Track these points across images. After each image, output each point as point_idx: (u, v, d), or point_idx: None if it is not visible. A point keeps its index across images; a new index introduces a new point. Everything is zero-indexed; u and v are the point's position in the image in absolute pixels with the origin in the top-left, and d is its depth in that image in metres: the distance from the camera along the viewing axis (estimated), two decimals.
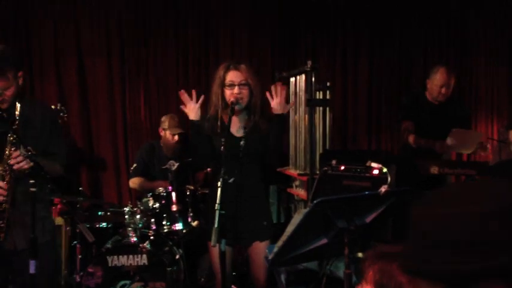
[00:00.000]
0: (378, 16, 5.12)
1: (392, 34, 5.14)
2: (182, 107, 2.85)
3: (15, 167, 2.31)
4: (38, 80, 4.87)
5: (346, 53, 5.15)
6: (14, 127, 2.27)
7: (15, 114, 2.30)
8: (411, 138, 3.97)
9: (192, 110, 2.80)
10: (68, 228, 4.03)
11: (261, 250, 2.81)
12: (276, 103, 2.79)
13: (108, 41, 4.92)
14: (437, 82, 3.98)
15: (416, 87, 5.05)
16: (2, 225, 2.35)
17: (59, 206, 4.04)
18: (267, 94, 2.81)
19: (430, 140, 3.89)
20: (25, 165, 2.31)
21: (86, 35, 4.89)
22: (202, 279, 3.85)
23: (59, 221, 4.06)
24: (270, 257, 2.14)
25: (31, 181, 2.20)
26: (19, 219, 2.44)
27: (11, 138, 2.31)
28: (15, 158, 2.30)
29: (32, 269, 2.19)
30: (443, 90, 3.98)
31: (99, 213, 4.06)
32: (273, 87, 2.79)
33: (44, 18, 4.83)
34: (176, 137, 4.17)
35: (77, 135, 4.92)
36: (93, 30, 4.89)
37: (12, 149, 2.31)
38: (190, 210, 3.61)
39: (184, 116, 4.83)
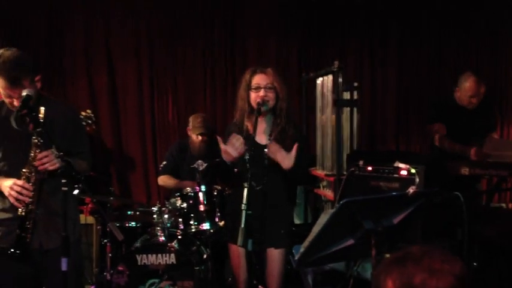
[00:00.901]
0: (407, 15, 5.05)
1: (421, 34, 5.06)
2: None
3: (40, 168, 2.36)
4: (69, 82, 4.99)
5: (374, 53, 5.10)
6: (38, 129, 2.31)
7: (38, 117, 2.33)
8: (445, 143, 3.92)
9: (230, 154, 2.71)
10: (98, 227, 4.12)
11: (275, 257, 2.80)
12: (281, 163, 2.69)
13: (137, 43, 5.00)
14: (466, 92, 3.94)
15: (446, 88, 4.96)
16: (28, 225, 2.39)
17: (89, 206, 4.13)
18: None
19: (464, 146, 3.83)
20: (50, 166, 2.35)
21: (115, 37, 4.99)
22: (230, 279, 3.87)
23: (89, 220, 4.16)
24: (297, 257, 2.14)
25: (63, 181, 2.25)
26: (45, 219, 2.49)
27: (35, 140, 2.36)
28: (40, 159, 2.35)
29: (64, 267, 2.24)
30: (473, 100, 3.94)
31: (129, 212, 4.13)
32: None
33: (75, 21, 4.95)
34: (200, 137, 4.22)
35: (107, 136, 5.02)
36: (122, 32, 4.99)
37: (37, 151, 2.36)
38: (217, 210, 3.64)
39: (211, 115, 4.94)
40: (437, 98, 4.74)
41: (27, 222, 2.39)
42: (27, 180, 2.40)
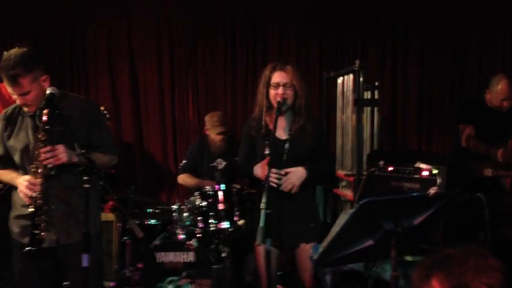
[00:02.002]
0: (431, 14, 4.98)
1: (445, 32, 4.98)
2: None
3: (45, 162, 2.40)
4: (92, 82, 5.06)
5: (396, 52, 5.04)
6: (46, 127, 2.37)
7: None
8: (471, 143, 3.86)
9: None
10: (118, 224, 4.16)
11: (307, 252, 2.82)
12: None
13: (158, 42, 5.04)
14: (498, 95, 3.87)
15: (469, 88, 4.89)
16: (37, 222, 2.42)
17: (110, 203, 4.18)
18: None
19: (491, 147, 3.77)
20: (55, 161, 2.39)
21: (137, 36, 5.04)
22: (248, 278, 3.87)
23: (110, 217, 4.20)
24: (315, 257, 2.13)
25: (84, 178, 2.27)
26: (65, 215, 2.53)
27: (40, 136, 2.40)
28: (44, 153, 2.39)
29: (85, 263, 2.26)
30: (505, 103, 3.87)
31: (148, 210, 4.17)
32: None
33: (98, 22, 5.03)
34: (218, 136, 4.23)
35: (128, 135, 5.07)
36: (143, 31, 5.03)
37: (41, 145, 2.40)
38: (236, 209, 3.64)
39: (231, 114, 4.95)
40: (467, 98, 4.66)
41: (37, 218, 2.42)
42: (35, 175, 2.43)
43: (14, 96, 3.29)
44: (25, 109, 2.54)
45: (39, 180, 2.42)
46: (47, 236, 2.48)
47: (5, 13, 4.98)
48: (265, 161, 2.65)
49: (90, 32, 5.03)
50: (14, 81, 2.39)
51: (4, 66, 2.39)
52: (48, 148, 2.39)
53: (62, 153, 2.40)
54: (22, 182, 2.45)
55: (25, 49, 2.47)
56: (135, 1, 5.04)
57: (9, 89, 2.45)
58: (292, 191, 2.76)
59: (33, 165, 2.45)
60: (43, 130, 2.39)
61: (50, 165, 2.41)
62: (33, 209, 2.41)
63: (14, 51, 2.44)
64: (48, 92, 2.44)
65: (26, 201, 2.45)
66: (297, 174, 2.76)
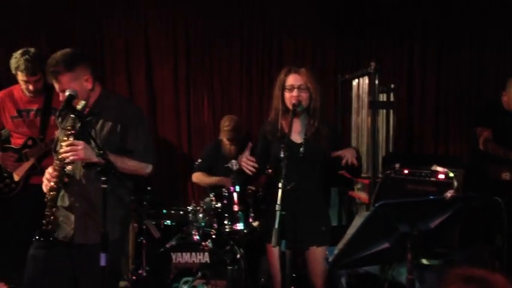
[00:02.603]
0: (448, 16, 4.94)
1: (462, 33, 4.93)
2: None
3: (63, 156, 2.44)
4: (109, 82, 5.12)
5: (412, 53, 5.01)
6: (67, 125, 2.47)
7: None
8: (489, 146, 3.82)
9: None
10: (135, 224, 4.19)
11: (318, 255, 2.82)
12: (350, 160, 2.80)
13: (174, 43, 5.08)
14: None
15: (487, 91, 4.84)
16: (47, 213, 2.46)
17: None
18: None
19: (509, 150, 3.73)
20: (71, 156, 2.41)
21: (153, 37, 5.09)
22: (263, 280, 3.88)
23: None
24: (330, 259, 2.13)
25: (102, 178, 2.31)
26: (82, 214, 2.55)
27: (68, 128, 2.47)
28: (65, 147, 2.43)
29: (102, 262, 2.29)
30: None
31: (164, 211, 4.19)
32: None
33: (115, 22, 5.09)
34: (227, 141, 4.26)
35: None
36: (160, 31, 5.08)
37: (64, 138, 2.46)
38: (251, 210, 3.65)
39: (247, 115, 4.97)
40: (484, 101, 4.62)
41: (47, 209, 2.47)
42: (54, 167, 2.49)
43: (28, 95, 3.34)
44: None
45: (56, 173, 2.46)
46: (64, 231, 2.52)
47: (22, 14, 5.08)
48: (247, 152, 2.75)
49: (107, 32, 5.10)
50: (55, 78, 2.47)
51: (48, 63, 2.49)
52: (69, 142, 2.43)
53: (80, 150, 2.41)
54: (45, 173, 2.52)
55: (71, 49, 2.55)
56: (152, 1, 5.09)
57: (55, 86, 2.53)
58: (352, 162, 2.77)
59: (55, 158, 2.50)
60: (60, 121, 2.49)
61: (67, 160, 2.45)
62: (46, 200, 2.47)
63: (62, 50, 2.52)
64: (67, 93, 2.48)
65: (45, 191, 2.51)
66: (351, 150, 2.81)
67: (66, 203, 2.58)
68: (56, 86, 2.51)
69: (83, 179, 2.56)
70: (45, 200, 2.48)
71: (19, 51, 3.42)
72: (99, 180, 2.36)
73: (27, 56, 3.36)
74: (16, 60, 3.38)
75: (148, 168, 2.66)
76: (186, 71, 5.10)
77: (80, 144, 2.42)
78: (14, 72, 3.44)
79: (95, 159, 2.44)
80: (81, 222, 2.56)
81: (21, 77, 3.42)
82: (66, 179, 2.51)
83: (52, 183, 2.46)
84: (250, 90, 5.09)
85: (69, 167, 2.50)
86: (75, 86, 2.49)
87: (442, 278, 1.30)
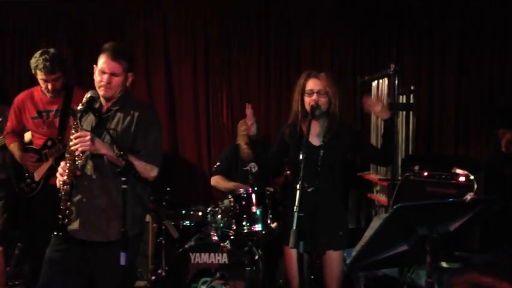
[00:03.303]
0: (469, 16, 4.88)
1: (483, 34, 4.86)
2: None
3: (73, 148, 2.48)
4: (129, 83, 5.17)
5: (432, 54, 4.95)
6: (79, 116, 2.56)
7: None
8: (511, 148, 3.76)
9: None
10: (154, 225, 4.24)
11: (334, 260, 2.82)
12: (377, 112, 2.87)
13: (193, 44, 5.12)
14: None
15: (510, 91, 4.76)
16: (62, 207, 2.50)
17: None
18: (366, 105, 2.88)
19: None
20: (80, 147, 2.44)
21: (172, 37, 5.14)
22: (281, 281, 3.89)
23: (146, 218, 4.29)
24: (348, 261, 2.13)
25: (122, 179, 2.34)
26: (99, 213, 2.58)
27: (74, 124, 2.54)
28: (74, 138, 2.48)
29: (122, 261, 2.32)
30: None
31: (183, 211, 4.23)
32: (365, 100, 2.87)
33: (134, 23, 5.16)
34: (244, 145, 4.27)
35: (163, 136, 5.14)
36: (179, 33, 5.12)
37: (72, 132, 2.52)
38: (269, 212, 3.66)
39: (265, 116, 4.97)
40: (506, 102, 4.55)
41: (62, 204, 2.51)
42: (65, 161, 2.54)
43: (48, 96, 3.40)
44: (101, 91, 2.63)
45: (68, 166, 2.51)
46: (80, 228, 2.56)
47: (46, 16, 5.18)
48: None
49: (127, 33, 5.17)
50: (116, 58, 2.59)
51: (112, 44, 2.66)
52: (77, 134, 2.48)
53: (87, 141, 2.44)
54: (59, 168, 2.57)
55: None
56: (171, 3, 5.15)
57: (104, 66, 2.61)
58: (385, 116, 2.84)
59: (67, 152, 2.55)
60: (79, 121, 2.54)
61: (76, 152, 2.49)
62: (61, 194, 2.52)
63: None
64: (88, 95, 2.54)
65: (58, 185, 2.56)
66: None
67: (74, 198, 2.60)
68: (110, 65, 2.59)
69: (93, 175, 2.59)
70: (60, 194, 2.53)
71: (39, 52, 3.51)
72: (113, 178, 2.43)
73: (46, 56, 3.45)
74: (36, 59, 3.47)
75: (153, 171, 2.64)
76: (204, 72, 5.13)
77: (88, 135, 2.45)
78: (33, 72, 3.52)
79: (103, 150, 2.48)
80: (88, 219, 2.58)
81: (40, 75, 3.49)
82: (78, 172, 2.55)
83: (65, 177, 2.51)
84: (268, 92, 5.10)
85: (79, 160, 2.53)
86: (122, 76, 2.62)
87: (450, 282, 1.29)
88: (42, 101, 3.63)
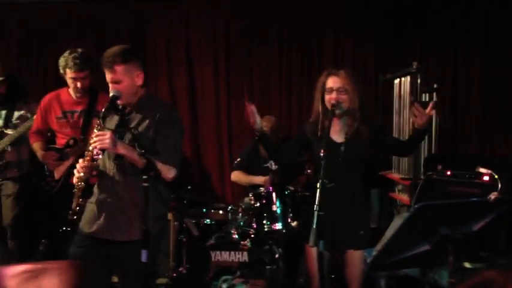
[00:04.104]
0: (494, 11, 4.78)
1: (509, 28, 4.75)
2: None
3: (93, 146, 2.50)
4: (152, 84, 5.22)
5: (457, 52, 4.87)
6: (102, 116, 2.57)
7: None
8: None
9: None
10: (175, 223, 4.27)
11: (355, 259, 2.81)
12: (420, 124, 2.74)
13: (214, 46, 5.14)
14: None
15: None
16: (74, 203, 2.54)
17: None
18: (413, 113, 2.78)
19: None
20: (98, 145, 2.46)
21: (194, 38, 5.16)
22: (302, 280, 3.87)
23: (167, 216, 4.33)
24: (369, 260, 2.11)
25: (144, 177, 2.36)
26: (117, 211, 2.61)
27: (98, 123, 2.56)
28: (94, 136, 2.50)
29: (144, 258, 2.34)
30: None
31: (204, 210, 4.26)
32: (414, 111, 2.75)
33: (157, 24, 5.20)
34: None
35: (185, 136, 5.16)
36: (200, 34, 5.15)
37: (95, 130, 2.54)
38: (290, 210, 3.66)
39: (286, 115, 4.96)
40: None
41: (74, 200, 2.55)
42: (84, 159, 2.58)
43: (74, 97, 3.47)
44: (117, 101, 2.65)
45: (86, 163, 2.55)
46: (92, 225, 2.60)
47: (70, 17, 5.27)
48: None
49: (149, 35, 5.22)
50: (110, 67, 2.57)
51: (106, 54, 2.61)
52: (97, 133, 2.51)
53: (106, 140, 2.45)
54: (76, 165, 2.61)
55: (127, 45, 2.69)
56: (192, 5, 5.18)
57: (107, 77, 2.63)
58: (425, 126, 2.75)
59: (86, 150, 2.59)
60: (102, 121, 2.57)
61: (95, 151, 2.51)
62: (74, 190, 2.56)
63: (119, 45, 2.67)
64: (111, 94, 2.57)
65: (74, 182, 2.60)
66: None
67: (97, 198, 2.64)
68: (109, 76, 2.60)
69: (116, 175, 2.62)
70: (74, 190, 2.56)
71: (67, 51, 3.58)
72: (134, 177, 2.45)
73: (75, 54, 3.52)
74: (65, 58, 3.54)
75: (171, 172, 2.61)
76: (226, 72, 5.15)
77: (107, 134, 2.47)
78: (62, 71, 3.59)
79: (121, 150, 2.49)
80: (111, 218, 2.61)
81: (69, 74, 3.56)
82: (94, 172, 2.58)
83: (81, 174, 2.54)
84: (290, 91, 5.08)
85: (99, 157, 2.55)
86: (126, 79, 2.59)
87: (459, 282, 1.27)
88: (68, 102, 3.69)
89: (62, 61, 3.55)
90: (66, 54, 3.55)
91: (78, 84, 3.57)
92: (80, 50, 3.57)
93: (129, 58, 2.60)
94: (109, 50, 2.62)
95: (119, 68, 2.57)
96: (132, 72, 2.62)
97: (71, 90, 3.69)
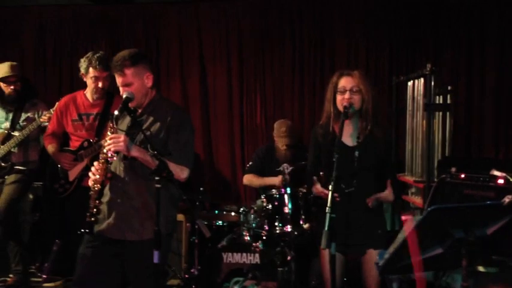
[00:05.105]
0: (507, 11, 4.72)
1: None
2: None
3: (107, 148, 2.52)
4: (165, 86, 5.26)
5: (471, 53, 4.82)
6: (115, 117, 2.59)
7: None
8: None
9: None
10: (187, 224, 4.29)
11: (373, 259, 2.78)
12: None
13: (227, 47, 5.16)
14: None
15: None
16: (90, 205, 2.54)
17: (180, 204, 4.32)
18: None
19: None
20: (112, 147, 2.48)
21: (207, 40, 5.19)
22: (313, 282, 3.86)
23: (179, 217, 4.35)
24: (380, 263, 2.10)
25: (156, 178, 2.38)
26: (128, 211, 2.63)
27: (111, 125, 2.58)
28: (108, 139, 2.52)
29: (155, 259, 2.36)
30: None
31: (216, 211, 4.27)
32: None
33: (170, 26, 5.24)
34: (284, 146, 4.25)
35: (197, 138, 5.19)
36: (213, 36, 5.17)
37: (108, 133, 2.57)
38: (302, 212, 3.65)
39: (299, 117, 4.96)
40: None
41: (91, 202, 2.56)
42: (98, 161, 2.59)
43: (91, 99, 3.51)
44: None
45: (100, 166, 2.57)
46: (103, 225, 2.62)
47: (83, 20, 5.33)
48: (319, 187, 2.80)
49: (162, 36, 5.26)
50: (120, 71, 2.61)
51: (115, 58, 2.66)
52: (112, 136, 2.53)
53: (120, 142, 2.48)
54: (91, 167, 2.63)
55: (135, 49, 2.75)
56: (205, 7, 5.20)
57: (117, 81, 2.67)
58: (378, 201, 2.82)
59: (100, 152, 2.61)
60: (115, 122, 2.58)
61: (109, 153, 2.53)
62: (91, 193, 2.57)
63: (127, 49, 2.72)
64: (124, 96, 2.60)
65: (90, 184, 2.62)
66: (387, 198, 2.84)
67: (108, 198, 2.66)
68: (119, 79, 2.64)
69: (125, 176, 2.64)
70: (90, 193, 2.59)
71: (89, 53, 3.67)
72: (146, 178, 2.47)
73: (99, 54, 3.62)
74: (88, 59, 3.62)
75: (184, 173, 2.64)
76: (238, 74, 5.16)
77: (121, 137, 2.51)
78: (84, 71, 3.64)
79: (135, 153, 2.52)
80: (121, 218, 2.63)
81: (92, 73, 3.61)
82: (109, 174, 2.60)
83: (97, 177, 2.56)
84: (303, 93, 5.08)
85: (113, 159, 2.56)
86: (136, 81, 2.63)
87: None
88: (84, 105, 3.74)
89: (84, 61, 3.62)
90: (89, 54, 3.64)
91: (100, 84, 3.62)
92: (101, 52, 3.66)
93: (138, 60, 2.64)
94: (117, 54, 2.67)
95: (128, 71, 2.61)
96: (141, 74, 2.66)
97: (88, 93, 3.73)
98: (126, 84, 2.62)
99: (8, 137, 4.06)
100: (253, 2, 5.14)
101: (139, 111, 2.70)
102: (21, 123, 4.11)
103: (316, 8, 5.04)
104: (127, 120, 2.71)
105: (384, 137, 2.83)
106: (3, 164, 4.06)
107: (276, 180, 3.91)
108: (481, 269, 2.45)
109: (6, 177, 4.10)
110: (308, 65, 5.05)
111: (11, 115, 4.14)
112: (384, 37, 4.93)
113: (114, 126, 2.58)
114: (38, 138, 4.20)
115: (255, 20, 5.12)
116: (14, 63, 4.17)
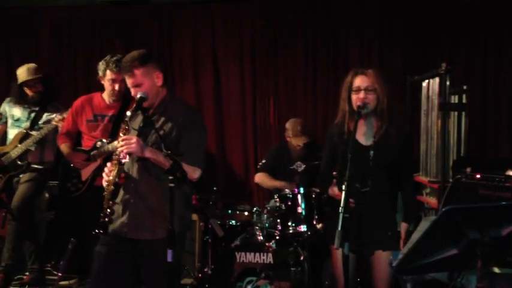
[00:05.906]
0: None
1: None
2: None
3: (119, 150, 2.53)
4: (179, 86, 5.29)
5: (486, 52, 4.77)
6: (126, 119, 2.63)
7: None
8: None
9: None
10: (201, 223, 4.31)
11: (383, 260, 2.79)
12: None
13: (241, 47, 5.17)
14: None
15: None
16: (104, 206, 2.56)
17: (193, 203, 4.34)
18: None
19: None
20: (125, 149, 2.49)
21: (220, 40, 5.20)
22: (327, 283, 3.85)
23: (193, 217, 4.37)
24: (395, 263, 2.09)
25: (170, 177, 2.39)
26: (141, 210, 2.65)
27: (124, 126, 2.61)
28: (121, 140, 2.53)
29: (169, 258, 2.37)
30: None
31: (229, 211, 4.28)
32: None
33: (183, 28, 5.26)
34: (299, 145, 4.24)
35: (210, 138, 5.21)
36: (226, 35, 5.19)
37: (121, 133, 2.59)
38: (315, 212, 3.64)
39: (312, 117, 4.94)
40: None
41: (104, 202, 2.57)
42: (111, 162, 2.61)
43: (107, 101, 3.54)
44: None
45: (113, 167, 2.58)
46: (117, 225, 2.64)
47: (98, 22, 5.38)
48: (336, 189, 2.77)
49: (175, 37, 5.29)
50: (130, 71, 2.63)
51: (124, 59, 2.68)
52: (124, 137, 2.55)
53: (133, 144, 2.49)
54: (105, 168, 2.65)
55: (142, 49, 2.75)
56: (218, 7, 5.21)
57: (127, 82, 2.69)
58: None
59: (114, 153, 2.63)
60: (129, 119, 2.62)
61: (122, 155, 2.54)
62: (105, 193, 2.60)
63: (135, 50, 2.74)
64: (138, 95, 2.62)
65: (104, 185, 2.64)
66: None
67: (121, 198, 2.67)
68: (130, 80, 2.66)
69: (138, 176, 2.66)
70: (104, 193, 2.61)
71: (107, 56, 3.71)
72: (159, 178, 2.49)
73: (116, 57, 3.65)
74: (106, 61, 3.67)
75: (196, 173, 2.65)
76: (251, 74, 5.16)
77: (134, 138, 2.52)
78: (102, 73, 3.68)
79: (147, 154, 2.53)
80: (135, 218, 2.65)
81: (109, 75, 3.66)
82: (123, 174, 2.62)
83: (110, 178, 2.59)
84: (315, 92, 5.07)
85: (125, 160, 2.57)
86: (147, 81, 2.64)
87: None
88: (100, 106, 3.78)
89: (102, 64, 3.68)
90: (107, 57, 3.69)
91: (116, 87, 3.66)
92: (119, 55, 3.69)
93: (146, 60, 2.66)
94: (126, 56, 2.69)
95: (138, 71, 2.62)
96: (151, 73, 2.67)
97: (105, 95, 3.77)
98: (137, 85, 2.64)
99: (26, 136, 4.12)
100: (266, 2, 5.14)
101: (151, 111, 2.71)
102: (40, 124, 4.16)
103: (329, 7, 5.02)
104: (139, 119, 2.72)
105: (399, 137, 2.81)
106: (19, 163, 4.12)
107: (288, 186, 3.91)
108: (496, 270, 2.42)
109: (21, 176, 4.16)
110: (321, 64, 5.04)
111: (33, 115, 4.20)
112: (397, 36, 4.89)
113: (127, 126, 2.61)
114: (55, 139, 4.25)
115: (268, 19, 5.12)
116: (32, 65, 4.22)
